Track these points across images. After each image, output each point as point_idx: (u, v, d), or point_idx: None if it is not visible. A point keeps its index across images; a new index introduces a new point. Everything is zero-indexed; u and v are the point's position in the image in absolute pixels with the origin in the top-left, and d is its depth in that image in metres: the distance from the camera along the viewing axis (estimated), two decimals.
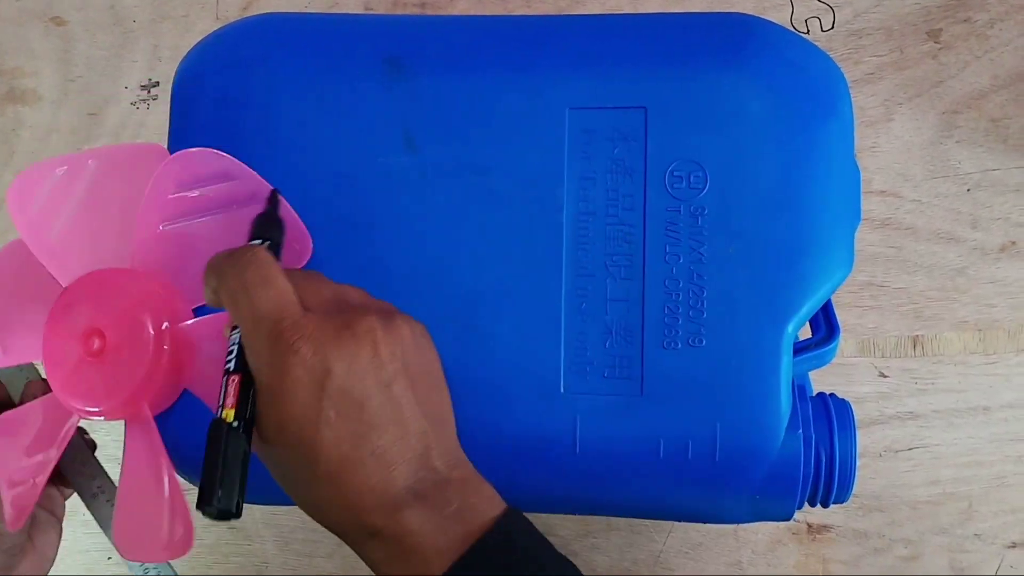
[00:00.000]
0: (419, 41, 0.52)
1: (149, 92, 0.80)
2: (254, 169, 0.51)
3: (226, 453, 0.39)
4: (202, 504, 0.38)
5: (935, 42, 0.74)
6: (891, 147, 0.73)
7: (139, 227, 0.51)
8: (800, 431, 0.48)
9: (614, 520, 0.72)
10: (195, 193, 0.51)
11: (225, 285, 0.42)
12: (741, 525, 0.71)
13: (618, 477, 0.49)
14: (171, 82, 0.54)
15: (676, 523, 0.71)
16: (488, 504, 0.42)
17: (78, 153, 0.54)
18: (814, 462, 0.48)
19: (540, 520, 0.73)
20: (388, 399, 0.41)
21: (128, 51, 0.81)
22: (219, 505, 0.38)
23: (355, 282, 0.49)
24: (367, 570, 0.73)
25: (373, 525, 0.40)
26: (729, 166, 0.49)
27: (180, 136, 0.53)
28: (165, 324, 0.48)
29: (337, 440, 0.40)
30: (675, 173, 0.49)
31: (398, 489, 0.40)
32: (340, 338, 0.40)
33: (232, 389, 0.41)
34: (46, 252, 0.51)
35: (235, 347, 0.42)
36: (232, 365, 0.42)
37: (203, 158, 0.51)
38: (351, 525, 0.41)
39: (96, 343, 0.47)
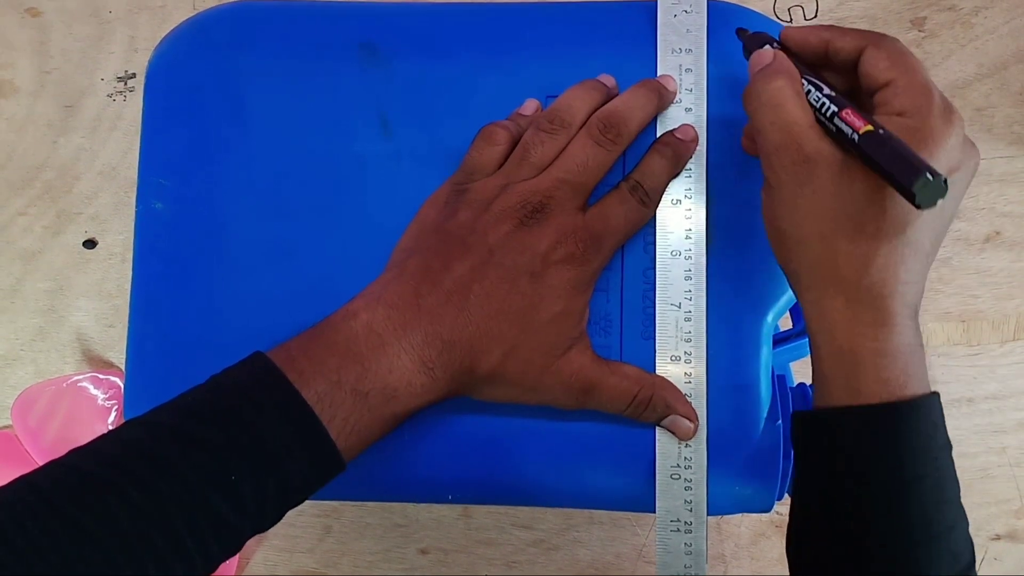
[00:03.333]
0: (395, 27, 0.51)
1: (126, 84, 0.79)
2: (229, 155, 0.51)
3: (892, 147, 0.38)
4: (917, 178, 0.36)
5: (919, 30, 0.74)
6: None
7: None
8: (780, 421, 0.47)
9: (596, 514, 0.72)
10: None
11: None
12: (724, 518, 0.70)
13: (597, 469, 0.48)
14: None
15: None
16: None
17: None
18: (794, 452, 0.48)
19: (521, 513, 0.72)
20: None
21: (105, 42, 0.80)
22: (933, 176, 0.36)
23: (331, 266, 0.49)
24: (347, 568, 0.72)
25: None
26: (705, 155, 0.48)
27: (154, 124, 0.52)
28: None
29: None
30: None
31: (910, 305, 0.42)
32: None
33: (854, 117, 0.40)
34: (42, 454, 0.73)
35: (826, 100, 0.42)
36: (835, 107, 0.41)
37: None
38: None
39: None
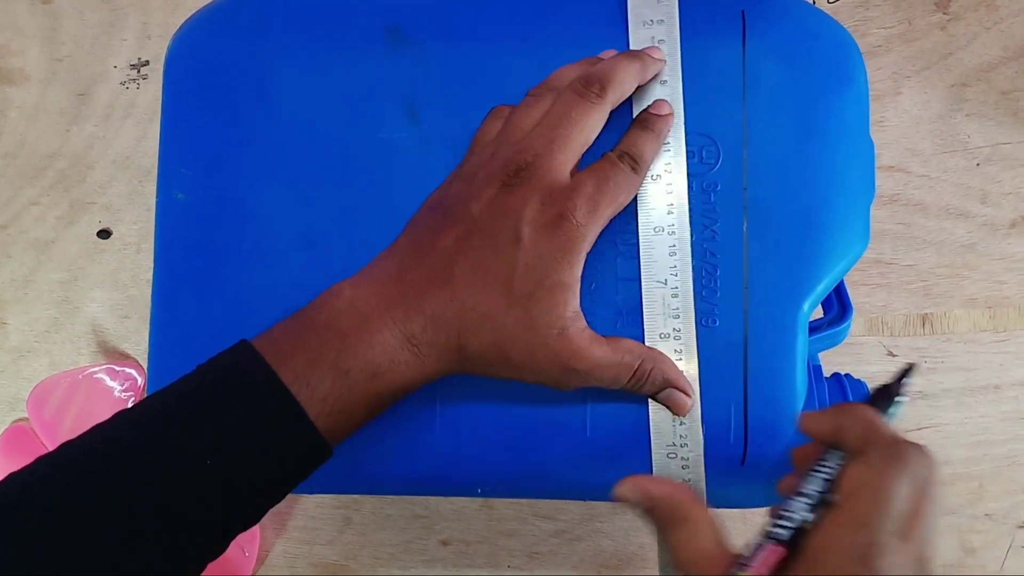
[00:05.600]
0: (422, 9, 0.50)
1: (139, 71, 0.78)
2: (252, 142, 0.50)
3: None
4: None
5: (944, 13, 0.73)
6: (899, 121, 0.72)
7: None
8: None
9: (619, 504, 0.71)
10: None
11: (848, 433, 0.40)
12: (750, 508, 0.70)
13: (628, 461, 0.48)
14: (161, 61, 0.52)
15: None
16: None
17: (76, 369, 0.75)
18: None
19: (543, 503, 0.72)
20: None
21: (117, 29, 0.79)
22: None
23: (357, 255, 0.47)
24: (368, 559, 0.72)
25: None
26: (742, 140, 0.47)
27: (174, 110, 0.51)
28: None
29: None
30: (687, 148, 0.47)
31: None
32: None
33: (769, 558, 0.37)
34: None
35: (795, 515, 0.38)
36: (782, 534, 0.38)
37: None
38: None
39: None
